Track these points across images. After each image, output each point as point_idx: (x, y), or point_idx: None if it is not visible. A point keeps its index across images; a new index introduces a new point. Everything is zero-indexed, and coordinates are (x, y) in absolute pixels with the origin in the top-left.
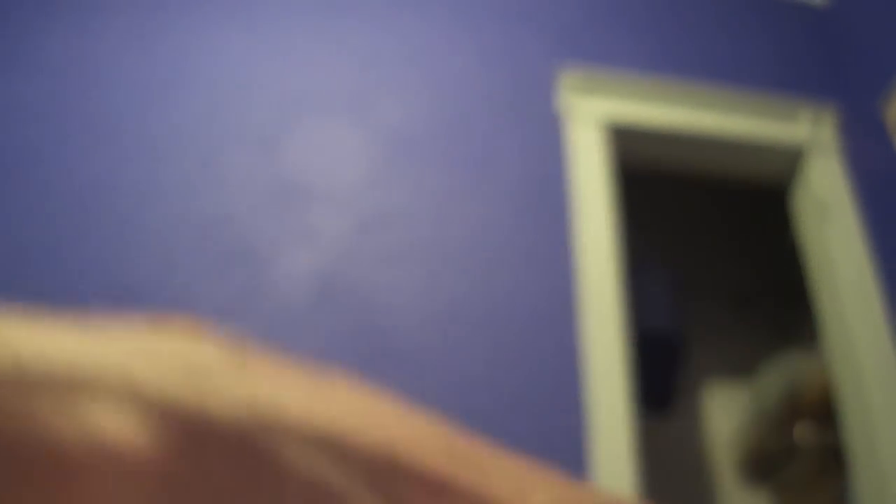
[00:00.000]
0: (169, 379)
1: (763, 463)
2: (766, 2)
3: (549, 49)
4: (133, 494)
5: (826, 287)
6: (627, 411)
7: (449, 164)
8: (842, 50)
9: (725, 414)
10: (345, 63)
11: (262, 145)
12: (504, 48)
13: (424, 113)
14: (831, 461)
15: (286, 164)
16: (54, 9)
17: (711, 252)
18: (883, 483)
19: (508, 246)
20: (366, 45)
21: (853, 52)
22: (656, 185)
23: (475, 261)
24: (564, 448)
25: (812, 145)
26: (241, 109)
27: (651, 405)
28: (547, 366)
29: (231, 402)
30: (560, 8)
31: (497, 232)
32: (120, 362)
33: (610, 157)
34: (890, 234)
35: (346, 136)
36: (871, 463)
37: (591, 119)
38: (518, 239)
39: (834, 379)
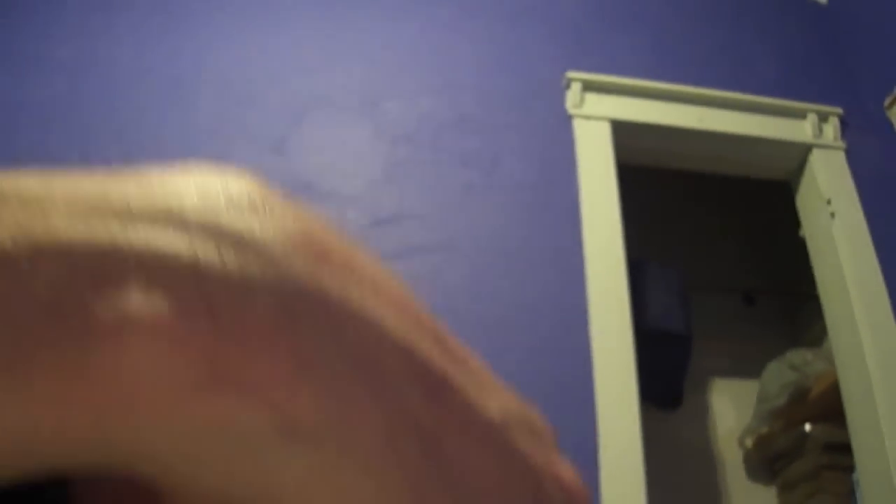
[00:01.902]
0: (203, 241)
1: (770, 460)
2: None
3: (558, 50)
4: (158, 360)
5: (832, 283)
6: (635, 407)
7: (457, 162)
8: (847, 48)
9: (732, 411)
10: (355, 63)
11: (272, 144)
12: (513, 49)
13: (431, 112)
14: (838, 458)
15: (295, 162)
16: (66, 10)
17: (718, 250)
18: (890, 480)
19: (516, 243)
20: (376, 46)
21: (859, 50)
22: (664, 184)
23: (483, 258)
24: (573, 443)
25: (818, 144)
26: (251, 109)
27: (660, 402)
28: (555, 362)
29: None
30: (571, 11)
31: (505, 229)
32: (149, 228)
33: (618, 156)
34: (894, 232)
35: (356, 136)
36: (878, 460)
37: (600, 119)
38: (526, 236)
39: (840, 376)
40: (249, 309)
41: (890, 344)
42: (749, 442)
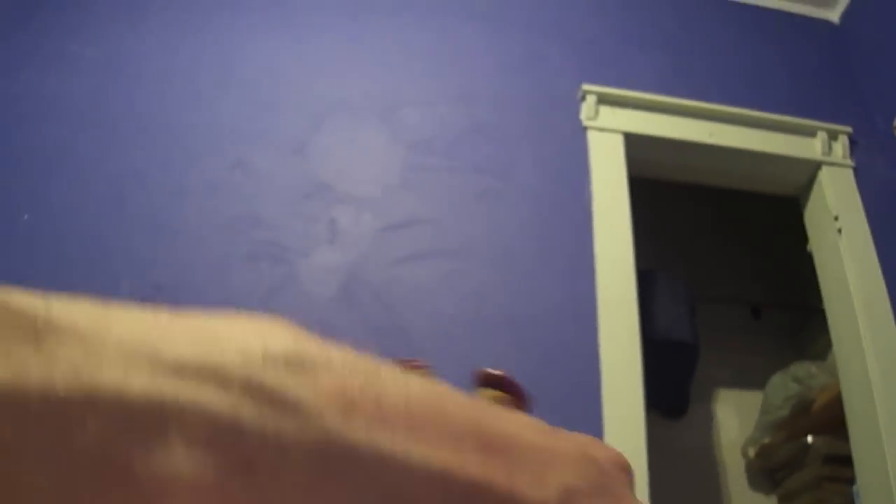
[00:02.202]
0: (239, 401)
1: (772, 470)
2: (782, 18)
3: (574, 64)
4: None
5: (837, 298)
6: (641, 414)
7: (472, 169)
8: (858, 68)
9: (736, 421)
10: (374, 70)
11: (292, 147)
12: (530, 61)
13: (449, 119)
14: (839, 470)
15: (314, 165)
16: (92, 10)
17: (727, 263)
18: (889, 493)
19: (528, 250)
20: (395, 53)
21: (869, 70)
22: (675, 197)
23: (495, 264)
24: None
25: (827, 161)
26: (271, 112)
27: (666, 410)
28: (564, 368)
29: (309, 425)
30: (588, 26)
31: (517, 237)
32: (194, 385)
33: (630, 168)
34: None
35: (374, 141)
36: (878, 472)
37: (614, 132)
38: (538, 244)
39: (843, 389)
40: (286, 467)
41: (893, 359)
42: (752, 452)
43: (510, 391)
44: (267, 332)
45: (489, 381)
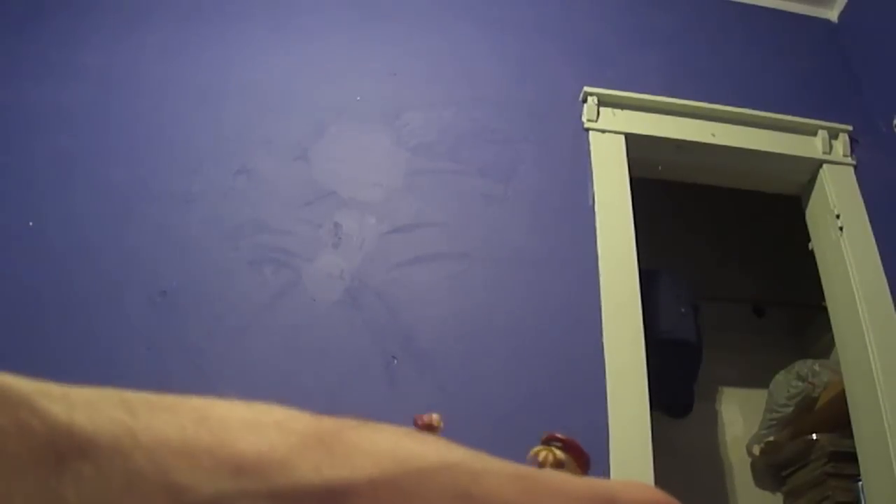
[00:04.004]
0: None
1: (777, 467)
2: (781, 17)
3: (576, 66)
4: None
5: (840, 296)
6: (646, 413)
7: (475, 172)
8: (857, 66)
9: (741, 419)
10: (377, 74)
11: (296, 153)
12: (532, 64)
13: (452, 123)
14: (844, 467)
15: (318, 170)
16: (95, 19)
17: (729, 262)
18: (894, 488)
19: (532, 252)
20: (398, 58)
21: (869, 68)
22: (677, 197)
23: (499, 266)
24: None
25: (828, 160)
26: (275, 118)
27: (671, 409)
28: (568, 368)
29: None
30: (589, 29)
31: (521, 238)
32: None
33: (632, 169)
34: None
35: (377, 145)
36: (883, 468)
37: (615, 133)
38: (542, 245)
39: (847, 386)
40: None
41: None
42: (757, 449)
43: (571, 453)
44: (289, 457)
45: (550, 440)
